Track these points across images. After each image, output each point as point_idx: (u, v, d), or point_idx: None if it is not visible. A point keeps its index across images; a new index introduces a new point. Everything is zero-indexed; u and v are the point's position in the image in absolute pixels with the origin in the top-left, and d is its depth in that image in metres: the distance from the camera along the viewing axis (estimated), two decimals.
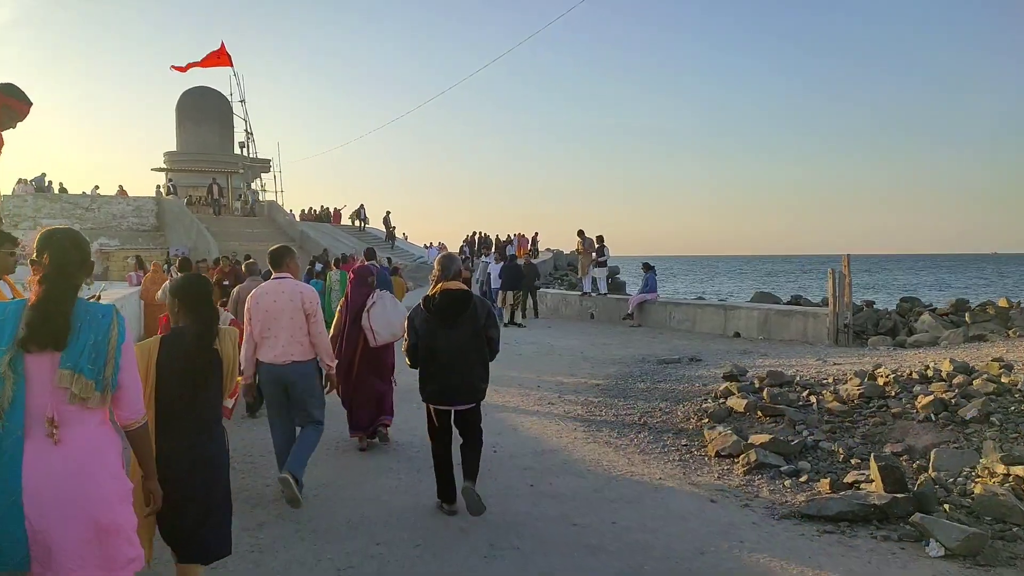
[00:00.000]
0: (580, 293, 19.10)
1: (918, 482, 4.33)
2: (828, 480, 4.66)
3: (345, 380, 5.76)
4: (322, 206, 39.56)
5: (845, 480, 4.65)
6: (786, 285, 65.38)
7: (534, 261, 33.36)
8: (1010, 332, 10.34)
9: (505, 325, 16.26)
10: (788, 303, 18.63)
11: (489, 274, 17.64)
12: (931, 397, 5.32)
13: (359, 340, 5.88)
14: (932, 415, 5.17)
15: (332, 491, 4.89)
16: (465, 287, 4.30)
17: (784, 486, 4.83)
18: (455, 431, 4.45)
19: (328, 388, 4.95)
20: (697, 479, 5.13)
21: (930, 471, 4.57)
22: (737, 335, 13.55)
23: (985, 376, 5.74)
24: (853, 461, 4.98)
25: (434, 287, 4.28)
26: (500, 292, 16.94)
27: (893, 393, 5.95)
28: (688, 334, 14.17)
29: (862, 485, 4.50)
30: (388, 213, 37.12)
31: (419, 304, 4.30)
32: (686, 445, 5.97)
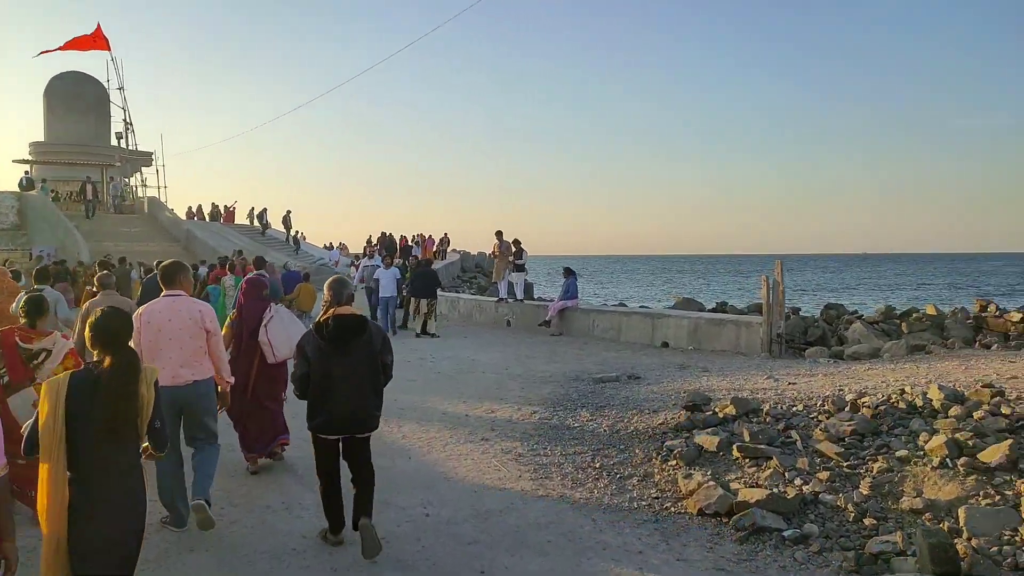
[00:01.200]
0: (496, 299, 18.07)
1: (962, 555, 3.51)
2: (851, 553, 3.78)
3: (240, 399, 5.58)
4: (212, 204, 36.68)
5: (869, 551, 3.79)
6: (691, 284, 67.11)
7: (439, 264, 32.18)
8: (948, 342, 10.13)
9: (417, 335, 14.99)
10: (714, 310, 18.33)
11: (377, 280, 15.46)
12: (942, 438, 4.56)
13: (255, 356, 5.73)
14: (949, 460, 4.41)
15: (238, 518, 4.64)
16: (359, 313, 4.17)
17: (795, 560, 3.92)
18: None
19: (220, 407, 4.82)
20: (685, 551, 4.15)
21: (964, 535, 3.78)
22: (665, 345, 12.88)
23: (986, 407, 5.09)
24: (867, 521, 4.13)
25: (325, 313, 4.13)
26: (413, 300, 15.64)
27: (886, 428, 5.21)
28: (614, 344, 13.39)
29: (893, 560, 3.64)
30: (288, 213, 34.79)
31: (310, 330, 4.18)
32: (658, 498, 4.98)
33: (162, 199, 36.49)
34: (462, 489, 5.31)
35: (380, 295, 15.19)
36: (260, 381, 5.79)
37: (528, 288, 20.82)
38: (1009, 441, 4.34)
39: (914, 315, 11.96)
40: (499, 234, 17.41)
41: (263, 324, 5.66)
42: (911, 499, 4.22)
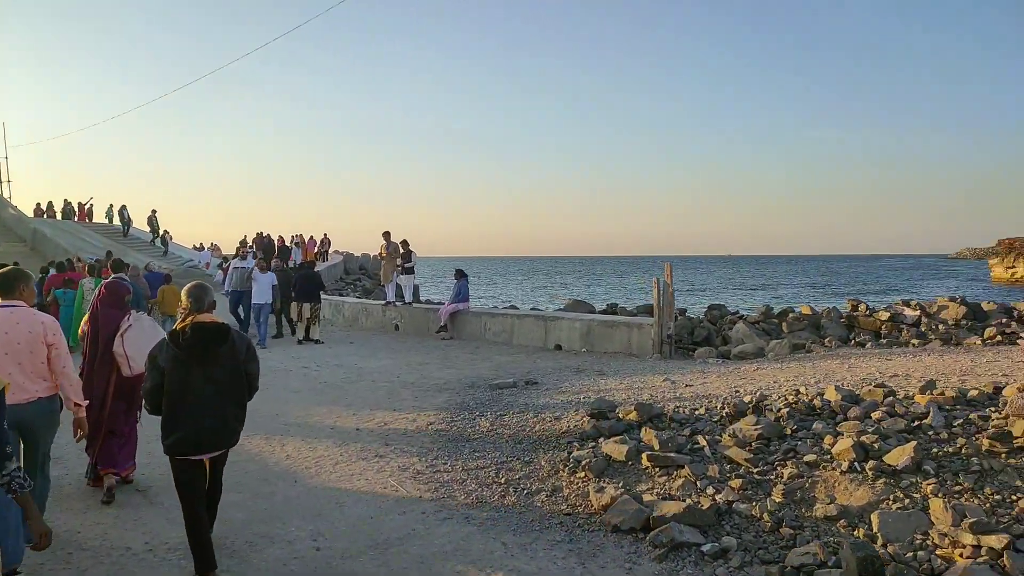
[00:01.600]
0: (383, 302, 17.41)
1: (885, 565, 3.44)
2: (774, 568, 3.64)
3: (97, 415, 5.12)
4: (65, 201, 33.44)
5: (791, 564, 3.67)
6: (575, 285, 68.65)
7: (322, 266, 30.88)
8: (826, 341, 10.60)
9: (300, 342, 14.13)
10: (605, 312, 18.49)
11: (253, 284, 14.17)
12: (848, 441, 4.56)
13: (112, 370, 5.21)
14: (857, 464, 4.40)
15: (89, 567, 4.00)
16: (219, 320, 3.90)
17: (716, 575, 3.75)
18: None
19: (78, 436, 4.33)
20: (603, 573, 3.88)
21: (880, 541, 3.74)
22: (559, 347, 12.79)
23: (884, 408, 5.18)
24: (784, 531, 4.03)
25: (184, 320, 3.86)
26: (294, 304, 14.72)
27: (790, 431, 5.20)
28: (507, 347, 13.15)
29: (817, 573, 3.53)
30: (154, 213, 32.25)
31: (164, 339, 3.87)
32: (569, 515, 4.70)
33: (4, 194, 32.89)
34: (357, 516, 4.81)
35: (254, 301, 14.11)
36: (117, 398, 5.30)
37: (415, 291, 20.29)
38: (913, 443, 4.38)
39: (791, 315, 12.49)
40: (386, 235, 16.80)
41: (119, 333, 5.17)
42: (824, 505, 4.16)
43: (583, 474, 5.24)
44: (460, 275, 15.43)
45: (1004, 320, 10.40)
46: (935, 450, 4.46)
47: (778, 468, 4.68)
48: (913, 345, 9.85)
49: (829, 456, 4.64)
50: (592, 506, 4.71)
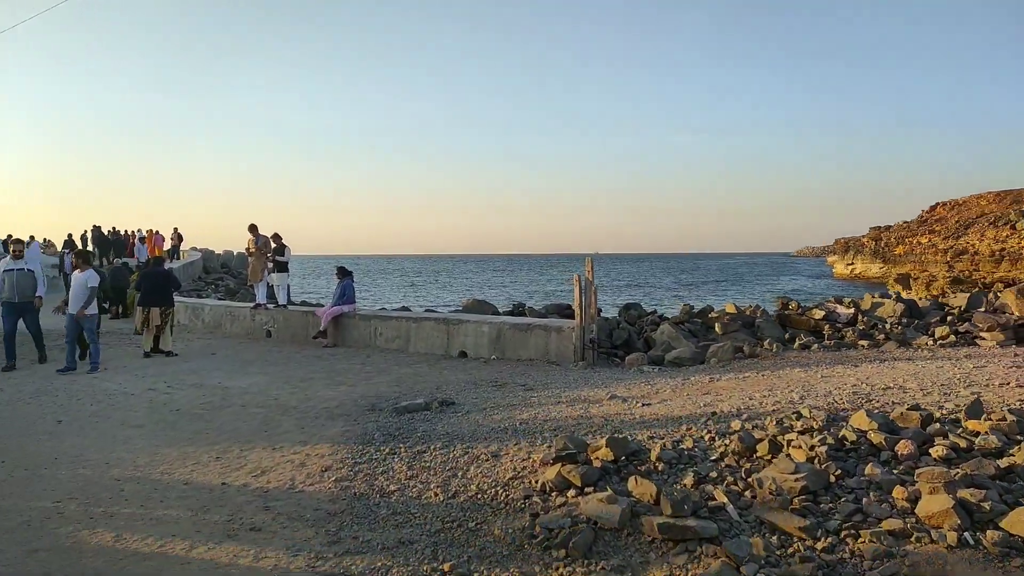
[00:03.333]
0: (252, 305, 15.06)
1: None
2: None
3: None
4: None
5: None
6: (458, 284, 67.14)
7: (176, 264, 27.45)
8: (766, 344, 9.67)
9: (147, 355, 11.64)
10: (513, 312, 16.94)
11: (69, 286, 10.74)
12: (944, 500, 3.29)
13: None
14: (968, 535, 3.13)
15: None
16: None
17: None
18: None
19: None
20: None
21: None
22: (464, 355, 11.18)
23: (945, 443, 3.99)
24: None
25: None
26: (140, 309, 12.16)
27: (834, 477, 3.89)
28: (403, 356, 11.38)
29: None
30: None
31: None
32: None
33: None
34: None
35: (69, 311, 10.43)
36: None
37: (288, 291, 17.94)
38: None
39: (725, 315, 11.59)
40: (253, 228, 14.52)
41: None
42: None
43: (561, 553, 3.68)
44: (343, 273, 13.45)
45: (950, 318, 9.95)
46: None
47: (847, 540, 3.34)
48: (863, 347, 9.13)
49: (915, 519, 3.35)
50: None
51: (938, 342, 8.94)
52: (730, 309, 12.13)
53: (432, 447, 5.71)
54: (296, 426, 6.76)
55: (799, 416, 5.02)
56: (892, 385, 6.17)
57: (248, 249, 14.78)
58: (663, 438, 5.11)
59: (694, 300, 47.51)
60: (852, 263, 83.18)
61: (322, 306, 14.40)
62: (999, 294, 10.31)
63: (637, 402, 6.57)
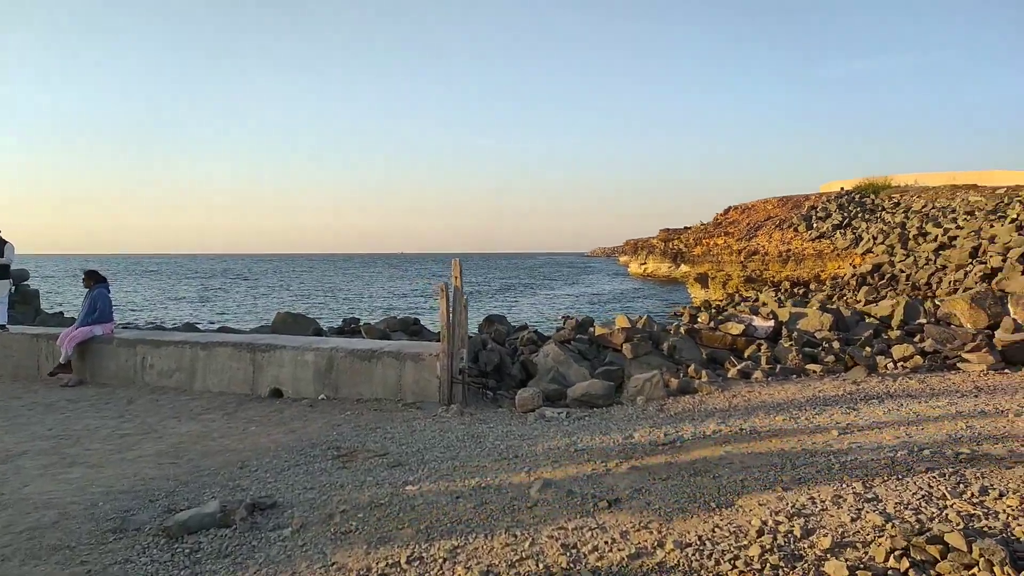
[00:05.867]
0: None
1: None
2: None
3: None
4: None
5: None
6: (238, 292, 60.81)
7: None
8: (691, 370, 7.58)
9: None
10: (343, 331, 13.34)
11: None
12: None
13: None
14: None
15: None
16: None
17: None
18: None
19: None
20: None
21: None
22: (278, 393, 8.03)
23: None
24: None
25: None
26: None
27: None
28: (185, 397, 7.97)
29: None
30: None
31: None
32: None
33: None
34: None
35: None
36: None
37: (8, 304, 13.34)
38: None
39: (636, 335, 9.28)
40: None
41: None
42: None
43: None
44: (94, 279, 9.57)
45: (899, 333, 8.56)
46: None
47: None
48: (816, 373, 7.37)
49: None
50: None
51: (899, 365, 7.46)
52: (622, 323, 10.04)
53: None
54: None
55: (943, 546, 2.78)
56: (926, 440, 4.23)
57: None
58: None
59: (516, 303, 46.14)
60: (645, 263, 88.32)
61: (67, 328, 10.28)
62: (939, 302, 9.27)
63: (590, 499, 4.01)
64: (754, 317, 10.05)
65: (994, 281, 24.23)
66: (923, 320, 9.01)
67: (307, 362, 7.92)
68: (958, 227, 32.80)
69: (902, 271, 29.30)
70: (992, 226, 31.25)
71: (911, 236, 33.46)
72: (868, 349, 8.18)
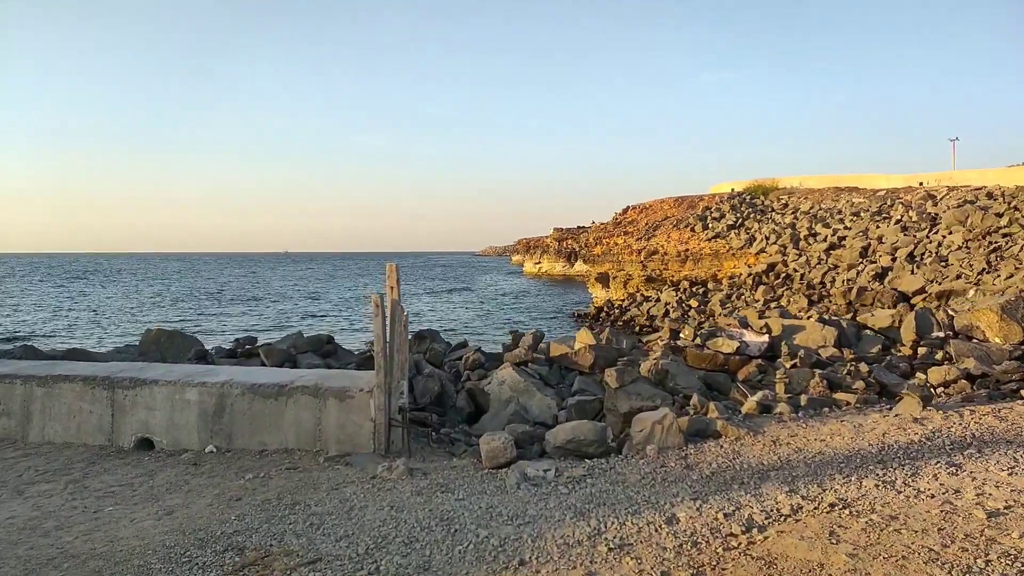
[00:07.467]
0: None
1: None
2: None
3: None
4: None
5: None
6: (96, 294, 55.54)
7: None
8: (693, 402, 6.11)
9: None
10: (235, 355, 10.56)
11: None
12: None
13: None
14: None
15: None
16: None
17: None
18: None
19: None
20: None
21: None
22: (147, 444, 5.99)
23: None
24: None
25: None
26: None
27: None
28: (15, 454, 5.77)
29: None
30: None
31: None
32: None
33: None
34: None
35: None
36: None
37: None
38: None
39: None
40: None
41: None
42: None
43: None
44: None
45: (924, 351, 7.47)
46: None
47: None
48: (851, 405, 6.08)
49: None
50: None
51: (939, 391, 6.34)
52: (585, 339, 8.37)
53: None
54: None
55: None
56: None
57: None
58: None
59: (431, 310, 43.04)
60: (539, 262, 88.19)
61: None
62: (953, 311, 8.30)
63: None
64: (744, 331, 8.78)
65: (886, 280, 24.87)
66: (939, 333, 8.12)
67: (189, 401, 5.91)
68: (846, 228, 33.85)
69: (796, 270, 29.73)
70: (878, 226, 32.42)
71: (802, 236, 34.23)
72: (921, 376, 7.04)
